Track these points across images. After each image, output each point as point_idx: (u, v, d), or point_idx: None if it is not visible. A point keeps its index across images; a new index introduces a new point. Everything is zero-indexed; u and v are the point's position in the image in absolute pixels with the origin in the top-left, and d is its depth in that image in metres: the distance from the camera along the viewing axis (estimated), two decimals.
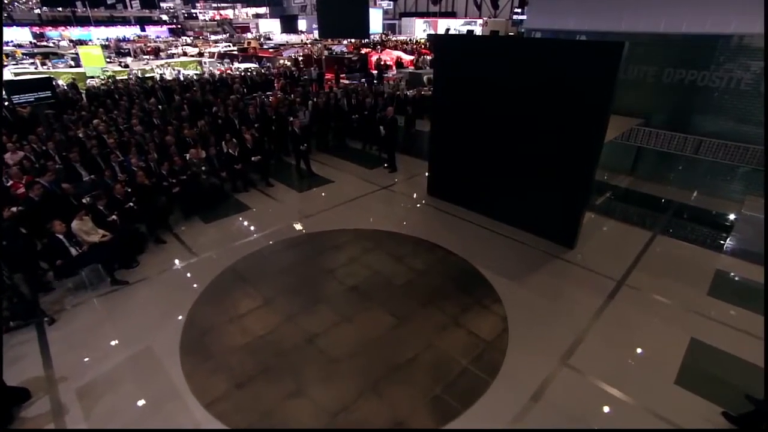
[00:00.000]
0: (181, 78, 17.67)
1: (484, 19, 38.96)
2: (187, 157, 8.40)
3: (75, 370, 4.60)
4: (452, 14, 44.33)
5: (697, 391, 4.31)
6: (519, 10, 36.50)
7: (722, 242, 7.00)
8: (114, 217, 6.58)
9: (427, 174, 8.76)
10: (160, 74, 19.14)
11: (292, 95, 13.05)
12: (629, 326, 5.21)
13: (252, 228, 7.57)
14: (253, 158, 9.11)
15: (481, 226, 7.46)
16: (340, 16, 15.36)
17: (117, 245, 6.22)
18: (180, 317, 5.37)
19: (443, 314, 5.38)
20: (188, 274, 6.30)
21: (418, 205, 8.40)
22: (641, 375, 4.53)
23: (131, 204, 6.94)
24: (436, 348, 4.87)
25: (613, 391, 4.34)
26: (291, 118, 10.44)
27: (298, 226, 7.58)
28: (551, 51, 6.11)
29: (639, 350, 4.86)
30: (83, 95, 14.31)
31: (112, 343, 5.02)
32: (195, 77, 17.93)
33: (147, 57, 27.34)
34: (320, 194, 8.94)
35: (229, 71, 20.25)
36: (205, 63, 21.95)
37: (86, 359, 4.76)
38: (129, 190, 7.13)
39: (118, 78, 17.66)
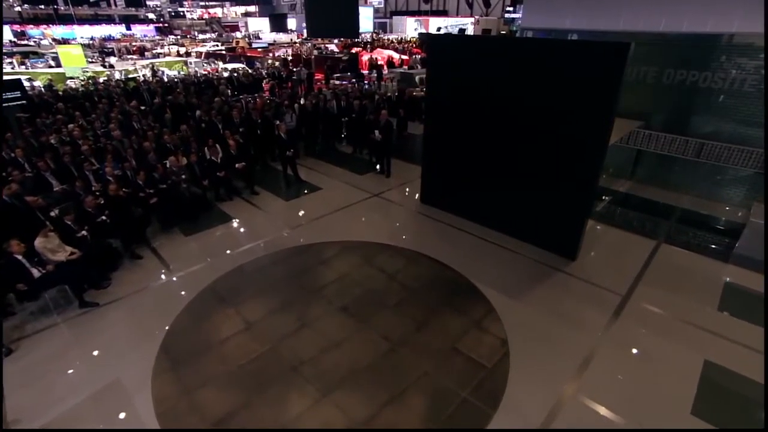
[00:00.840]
0: (165, 79, 17.06)
1: (476, 17, 38.70)
2: (167, 165, 7.91)
3: (31, 410, 4.14)
4: (444, 12, 44.03)
5: (715, 422, 3.97)
6: (511, 9, 36.26)
7: (729, 251, 6.70)
8: (84, 232, 6.09)
9: (420, 180, 8.35)
10: (143, 75, 18.47)
11: (278, 97, 12.56)
12: (638, 348, 4.87)
13: (235, 241, 7.12)
14: (237, 165, 8.64)
15: (479, 237, 7.08)
16: (329, 15, 14.90)
17: (86, 264, 5.74)
18: (154, 344, 4.92)
19: (439, 337, 4.99)
20: (165, 295, 5.84)
21: (412, 214, 8.00)
22: (654, 405, 4.18)
23: (104, 217, 6.46)
24: (432, 377, 4.48)
25: (625, 424, 3.99)
26: (277, 122, 10.00)
27: (283, 239, 7.14)
28: (552, 52, 5.74)
29: (650, 375, 4.51)
30: (61, 96, 13.68)
31: (77, 375, 4.57)
32: (179, 78, 17.34)
33: (132, 57, 26.56)
34: (308, 203, 8.50)
35: (215, 71, 19.65)
36: (190, 63, 21.31)
37: (45, 396, 4.29)
38: (101, 201, 6.65)
39: (99, 79, 16.98)
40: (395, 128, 10.14)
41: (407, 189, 8.98)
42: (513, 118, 6.35)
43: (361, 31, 32.02)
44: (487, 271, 6.14)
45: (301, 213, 8.09)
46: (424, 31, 38.93)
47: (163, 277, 6.20)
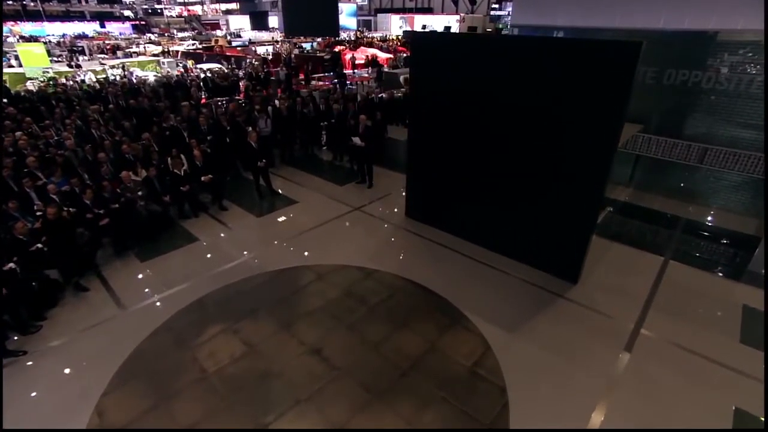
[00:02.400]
0: (134, 80, 16.00)
1: (461, 15, 38.13)
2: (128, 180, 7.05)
3: None
4: (429, 10, 43.41)
5: None
6: (496, 6, 35.82)
7: (742, 268, 6.15)
8: (12, 264, 5.21)
9: (404, 192, 7.62)
10: (108, 76, 17.30)
11: (252, 100, 11.64)
12: (656, 393, 4.23)
13: (197, 267, 6.30)
14: (202, 178, 7.80)
15: (470, 257, 6.39)
16: (307, 12, 14.06)
17: (12, 304, 4.89)
18: (87, 406, 4.10)
19: (429, 386, 4.28)
20: (109, 337, 5.00)
21: (396, 231, 7.27)
22: None
23: (39, 245, 5.58)
24: None
25: None
26: (249, 128, 9.17)
27: (252, 263, 6.35)
28: (554, 51, 5.05)
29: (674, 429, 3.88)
30: (12, 99, 12.53)
31: None
32: (151, 79, 16.29)
33: (102, 56, 25.21)
34: (282, 219, 7.71)
35: (190, 72, 18.59)
36: (163, 63, 20.17)
37: None
38: (37, 226, 5.77)
39: (61, 80, 15.79)
40: (374, 133, 9.28)
41: (391, 201, 8.24)
42: (508, 125, 5.67)
43: (343, 29, 31.18)
44: (480, 300, 5.46)
45: (273, 231, 7.31)
46: (409, 28, 38.20)
47: (109, 315, 5.36)
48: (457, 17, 37.26)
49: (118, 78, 16.81)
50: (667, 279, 5.94)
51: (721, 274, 6.07)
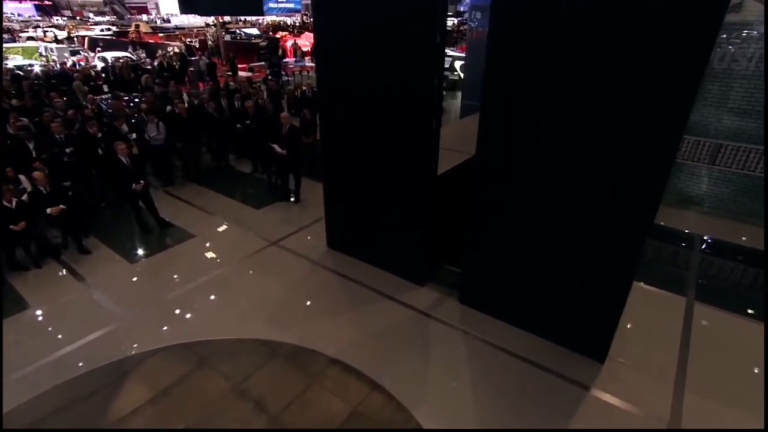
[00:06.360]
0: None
1: None
2: None
3: None
4: None
5: None
6: None
7: None
8: None
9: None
10: None
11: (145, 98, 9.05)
12: None
13: (12, 358, 3.98)
14: (49, 210, 5.40)
15: (422, 312, 4.49)
16: None
17: None
18: None
19: None
20: None
21: (320, 274, 5.18)
22: None
23: None
24: None
25: None
26: (133, 136, 6.81)
27: (104, 345, 4.12)
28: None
29: None
30: None
31: None
32: (36, 70, 13.17)
33: None
34: (166, 265, 5.43)
35: (82, 62, 15.43)
36: (51, 50, 16.70)
37: None
38: None
39: None
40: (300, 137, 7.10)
41: (319, 229, 6.04)
42: (488, 117, 3.75)
43: (284, 11, 28.34)
44: (449, 396, 3.58)
45: (150, 285, 5.05)
46: None
47: None
48: None
49: None
50: (697, 334, 4.33)
51: (760, 319, 4.55)
